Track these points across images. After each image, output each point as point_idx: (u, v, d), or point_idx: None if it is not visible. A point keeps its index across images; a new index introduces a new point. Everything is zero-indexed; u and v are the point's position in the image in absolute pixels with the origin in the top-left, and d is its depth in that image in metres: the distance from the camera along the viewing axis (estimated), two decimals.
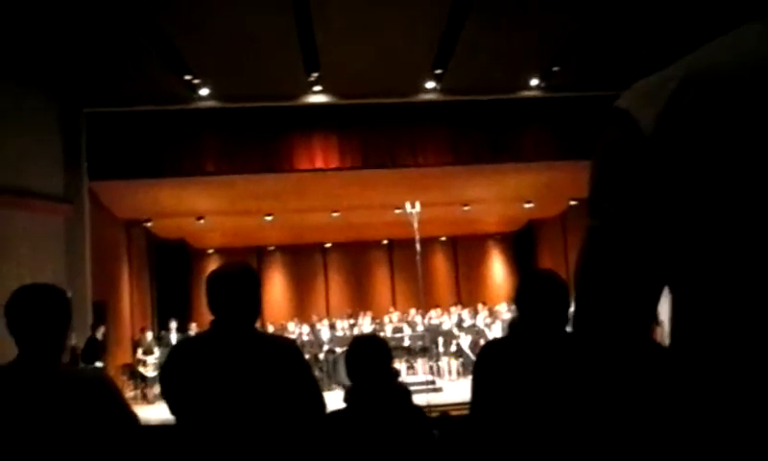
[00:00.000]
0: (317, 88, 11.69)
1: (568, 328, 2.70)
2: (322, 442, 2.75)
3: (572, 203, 15.79)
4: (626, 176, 0.97)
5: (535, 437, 2.43)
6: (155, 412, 9.76)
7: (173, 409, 2.61)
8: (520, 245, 19.63)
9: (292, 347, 2.74)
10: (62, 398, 2.23)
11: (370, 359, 2.90)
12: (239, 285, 2.59)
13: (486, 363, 2.71)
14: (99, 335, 12.01)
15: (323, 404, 2.69)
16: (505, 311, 13.90)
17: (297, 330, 13.90)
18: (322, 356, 13.09)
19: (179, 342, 3.28)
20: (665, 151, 0.93)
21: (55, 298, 2.36)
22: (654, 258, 0.97)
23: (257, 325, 2.72)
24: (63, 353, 2.40)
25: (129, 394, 12.84)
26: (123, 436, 2.34)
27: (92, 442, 2.23)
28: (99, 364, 11.55)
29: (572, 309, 1.15)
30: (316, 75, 11.09)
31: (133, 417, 2.47)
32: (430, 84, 11.86)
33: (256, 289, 2.64)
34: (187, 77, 10.77)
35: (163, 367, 2.78)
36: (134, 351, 12.98)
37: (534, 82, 11.98)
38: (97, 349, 11.68)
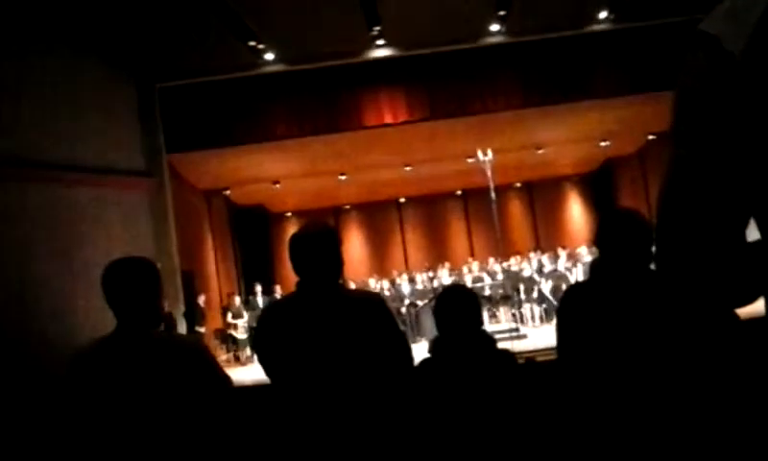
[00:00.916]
0: (380, 42, 11.59)
1: (652, 267, 2.63)
2: (412, 392, 2.80)
3: (650, 137, 15.24)
4: (713, 102, 0.94)
5: (623, 379, 2.40)
6: (248, 373, 10.14)
7: (268, 371, 2.70)
8: (598, 185, 19.12)
9: (378, 301, 2.75)
10: (160, 364, 2.35)
11: (459, 309, 2.92)
12: (320, 245, 2.63)
13: (569, 307, 2.67)
14: (201, 302, 12.58)
15: (410, 356, 2.73)
16: (585, 254, 13.63)
17: (377, 286, 14.07)
18: (404, 310, 13.22)
19: (267, 305, 3.36)
20: (756, 73, 0.89)
21: (145, 269, 2.48)
22: (740, 188, 0.94)
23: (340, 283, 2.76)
24: (165, 320, 2.52)
25: (222, 357, 13.37)
26: (217, 399, 2.45)
27: (189, 405, 2.35)
28: (201, 329, 12.14)
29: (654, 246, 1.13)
30: (378, 29, 10.99)
31: (227, 381, 2.57)
32: (495, 27, 11.57)
33: (337, 247, 2.67)
34: (251, 43, 10.88)
35: (255, 331, 2.87)
36: (224, 316, 13.45)
37: (602, 14, 11.50)
38: (197, 315, 12.25)
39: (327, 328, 2.55)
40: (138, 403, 2.30)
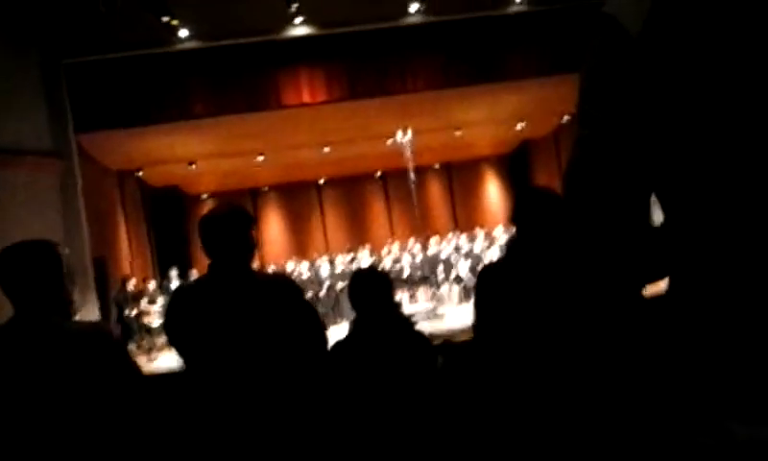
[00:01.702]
0: (298, 20, 11.40)
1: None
2: (326, 374, 2.78)
3: (565, 119, 15.66)
4: (614, 81, 0.96)
5: (539, 356, 2.43)
6: (163, 361, 9.87)
7: (181, 354, 2.64)
8: (515, 167, 19.55)
9: (288, 282, 2.77)
10: (62, 352, 2.21)
11: (371, 292, 2.92)
12: (231, 226, 2.59)
13: (485, 287, 2.72)
14: (131, 286, 12.17)
15: (324, 338, 2.72)
16: (502, 234, 13.93)
17: (296, 269, 13.95)
18: (323, 293, 13.18)
19: (178, 288, 3.28)
20: (652, 52, 0.92)
21: (43, 251, 2.33)
22: (641, 166, 0.97)
23: (256, 265, 2.72)
24: (70, 307, 2.38)
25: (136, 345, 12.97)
26: (125, 388, 2.34)
27: (94, 395, 2.22)
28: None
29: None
30: (296, 6, 10.81)
31: (136, 369, 2.46)
32: (414, 7, 11.57)
33: (248, 229, 2.64)
34: (165, 18, 10.50)
35: (166, 315, 2.80)
36: (138, 303, 13.04)
37: None
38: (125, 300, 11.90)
39: (238, 311, 2.52)
40: (37, 395, 2.15)
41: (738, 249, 0.90)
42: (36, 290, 2.26)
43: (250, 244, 2.62)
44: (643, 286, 1.04)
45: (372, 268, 3.79)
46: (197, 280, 2.88)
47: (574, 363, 2.38)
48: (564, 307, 2.42)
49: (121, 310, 12.08)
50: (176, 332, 2.65)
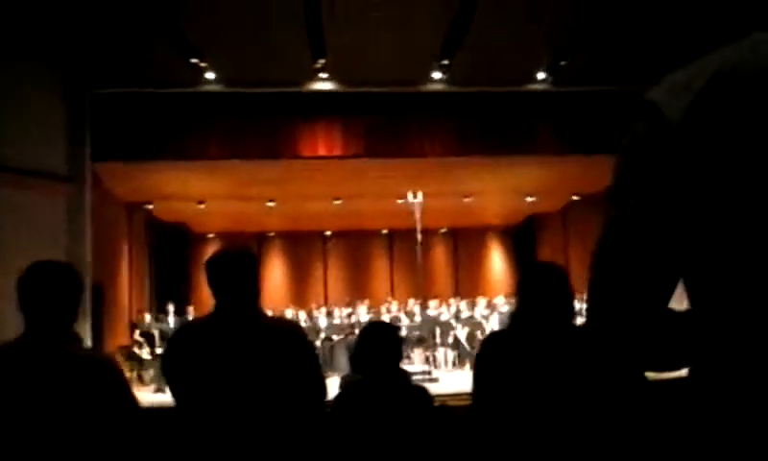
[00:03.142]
0: (323, 75, 11.64)
1: (573, 321, 2.70)
2: (327, 422, 2.77)
3: (574, 198, 15.79)
4: (651, 167, 0.98)
5: (537, 429, 2.44)
6: (149, 395, 9.79)
7: (175, 393, 2.60)
8: (520, 239, 19.60)
9: (296, 330, 2.75)
10: (68, 379, 2.22)
11: (382, 345, 2.93)
12: (239, 268, 2.60)
13: (488, 355, 2.71)
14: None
15: (324, 392, 2.70)
16: (503, 304, 13.91)
17: (294, 317, 13.91)
18: (318, 343, 13.11)
19: (182, 326, 3.24)
20: (692, 143, 0.94)
21: (70, 276, 2.35)
22: (671, 253, 0.98)
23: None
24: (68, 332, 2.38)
25: (126, 375, 12.85)
26: (125, 422, 2.34)
27: (93, 425, 2.23)
28: None
29: (577, 303, 1.15)
30: (323, 61, 11.04)
31: (136, 404, 2.47)
32: (437, 75, 11.81)
33: (255, 271, 2.65)
34: (194, 60, 10.73)
35: (166, 351, 2.78)
36: (132, 334, 12.99)
37: (541, 75, 11.92)
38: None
39: (241, 353, 2.49)
40: (38, 419, 2.16)
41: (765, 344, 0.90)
42: (53, 311, 2.26)
43: (255, 286, 2.62)
44: (663, 371, 1.05)
45: (386, 322, 3.76)
46: (202, 319, 2.89)
47: (572, 439, 2.39)
48: (566, 383, 2.43)
49: None
50: (175, 371, 2.61)
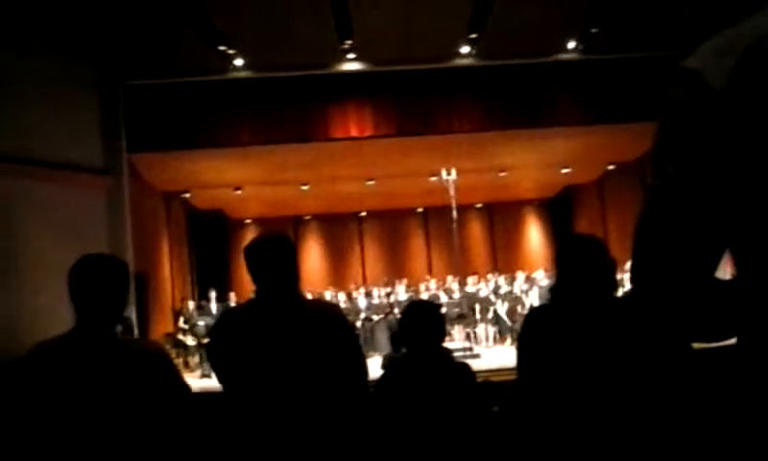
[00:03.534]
0: (351, 56, 11.61)
1: (614, 292, 2.66)
2: (368, 408, 2.79)
3: (610, 167, 15.55)
4: (691, 135, 0.96)
5: (583, 403, 2.42)
6: (195, 381, 9.97)
7: (221, 378, 2.65)
8: (557, 211, 19.40)
9: (339, 316, 2.76)
10: (120, 369, 2.27)
11: (425, 324, 2.93)
12: (279, 253, 2.62)
13: (531, 330, 2.69)
14: None
15: (365, 374, 2.72)
16: (542, 278, 13.80)
17: (333, 299, 14.00)
18: (359, 324, 13.19)
19: (224, 312, 3.28)
20: (735, 108, 0.92)
21: (118, 267, 2.40)
22: (713, 221, 0.96)
23: None
24: (119, 323, 2.44)
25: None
26: (178, 409, 2.39)
27: (146, 413, 2.28)
28: None
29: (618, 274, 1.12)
30: (350, 43, 11.01)
31: (188, 391, 2.51)
32: (465, 49, 11.69)
33: (293, 255, 2.67)
34: (222, 47, 10.80)
35: (211, 337, 2.83)
36: (176, 321, 13.22)
37: (571, 44, 11.73)
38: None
39: (286, 338, 2.52)
40: (95, 408, 2.21)
41: None
42: (103, 303, 2.32)
43: (294, 271, 2.65)
44: (711, 342, 1.02)
45: (430, 301, 3.79)
46: (244, 304, 2.91)
47: (615, 412, 2.36)
48: (609, 356, 2.40)
49: None
50: (220, 355, 2.66)
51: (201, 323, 12.53)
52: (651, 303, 1.00)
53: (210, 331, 2.83)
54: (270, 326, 2.55)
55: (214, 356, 2.71)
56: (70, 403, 2.21)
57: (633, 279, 1.02)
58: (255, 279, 2.61)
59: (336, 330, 2.62)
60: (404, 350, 3.06)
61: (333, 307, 3.11)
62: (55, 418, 2.22)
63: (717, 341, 1.02)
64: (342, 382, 2.59)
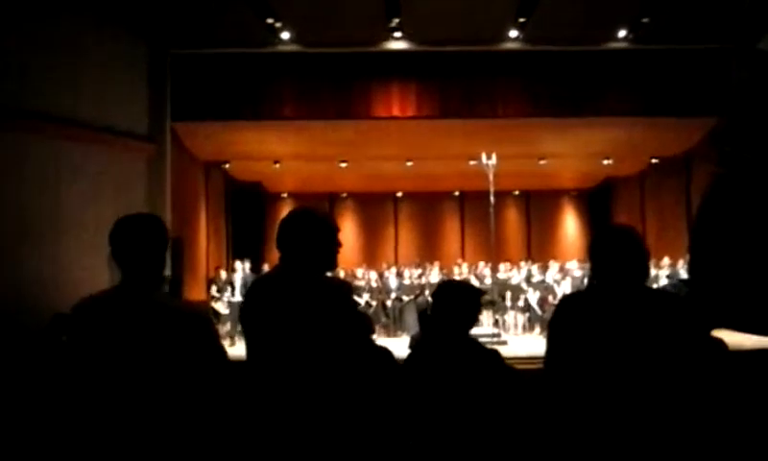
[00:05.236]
0: (397, 35, 11.58)
1: (646, 283, 2.63)
2: (395, 385, 2.81)
3: (653, 161, 15.28)
4: (762, 119, 0.93)
5: (612, 394, 2.41)
6: (229, 349, 10.13)
7: (248, 342, 2.69)
8: (595, 203, 19.17)
9: (343, 287, 2.77)
10: (160, 326, 2.34)
11: (460, 306, 2.92)
12: (305, 228, 2.62)
13: (562, 318, 2.67)
14: None
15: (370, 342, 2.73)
16: (576, 269, 13.69)
17: (366, 276, 14.08)
18: (389, 303, 13.25)
19: (255, 280, 3.30)
20: None
21: (157, 227, 2.48)
22: None
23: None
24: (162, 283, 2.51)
25: None
26: (213, 371, 2.45)
27: (186, 373, 2.34)
28: None
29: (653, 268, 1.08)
30: (397, 21, 10.97)
31: (225, 353, 2.56)
32: (513, 34, 11.57)
33: (319, 234, 2.64)
34: (269, 20, 10.84)
35: (242, 304, 2.87)
36: (209, 289, 13.42)
37: (621, 33, 11.52)
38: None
39: (296, 310, 2.53)
40: (133, 362, 2.28)
41: None
42: (144, 262, 2.40)
43: (318, 250, 2.62)
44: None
45: (467, 282, 3.73)
46: (268, 274, 2.93)
47: (647, 404, 2.35)
48: (641, 349, 2.39)
49: None
50: (247, 321, 2.68)
51: (232, 290, 12.73)
52: (708, 289, 0.98)
53: (243, 299, 2.88)
54: (284, 296, 2.56)
55: (244, 322, 2.75)
56: (110, 356, 2.29)
57: (691, 268, 1.00)
58: (279, 248, 2.63)
59: (337, 303, 2.60)
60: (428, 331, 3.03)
61: (338, 281, 3.09)
62: (95, 368, 2.30)
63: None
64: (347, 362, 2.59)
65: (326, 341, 2.55)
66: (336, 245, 2.68)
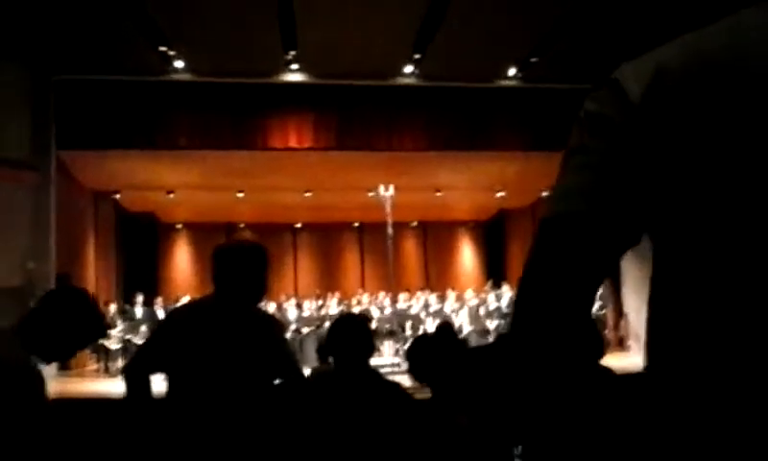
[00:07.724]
0: (294, 67, 11.57)
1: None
2: (302, 411, 2.82)
3: (544, 194, 15.89)
4: (607, 147, 0.95)
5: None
6: (117, 386, 9.65)
7: (166, 369, 2.70)
8: (491, 233, 19.75)
9: (278, 323, 3.05)
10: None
11: (353, 339, 2.93)
12: (250, 261, 2.77)
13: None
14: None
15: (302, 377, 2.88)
16: (471, 297, 13.99)
17: (264, 309, 13.82)
18: (288, 336, 13.07)
19: (176, 309, 3.29)
20: (649, 126, 0.91)
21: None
22: (612, 253, 0.96)
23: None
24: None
25: (92, 367, 12.70)
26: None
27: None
28: None
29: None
30: (293, 53, 10.97)
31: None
32: (408, 69, 11.82)
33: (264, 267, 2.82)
34: (162, 48, 10.58)
35: (165, 323, 2.99)
36: None
37: (511, 71, 12.00)
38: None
39: (231, 341, 2.66)
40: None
41: (730, 329, 0.85)
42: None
43: (259, 281, 2.79)
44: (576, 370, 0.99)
45: (359, 315, 3.89)
46: (200, 302, 2.95)
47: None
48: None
49: None
50: (177, 348, 2.67)
51: (122, 327, 12.20)
52: (531, 334, 0.96)
53: (161, 325, 2.92)
54: (221, 328, 2.66)
55: (169, 349, 2.67)
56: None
57: (515, 314, 0.99)
58: (218, 284, 2.72)
59: (275, 336, 2.85)
60: (331, 360, 3.06)
61: (271, 317, 3.23)
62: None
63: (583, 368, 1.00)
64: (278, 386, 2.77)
65: (263, 370, 2.71)
66: (267, 276, 2.79)
